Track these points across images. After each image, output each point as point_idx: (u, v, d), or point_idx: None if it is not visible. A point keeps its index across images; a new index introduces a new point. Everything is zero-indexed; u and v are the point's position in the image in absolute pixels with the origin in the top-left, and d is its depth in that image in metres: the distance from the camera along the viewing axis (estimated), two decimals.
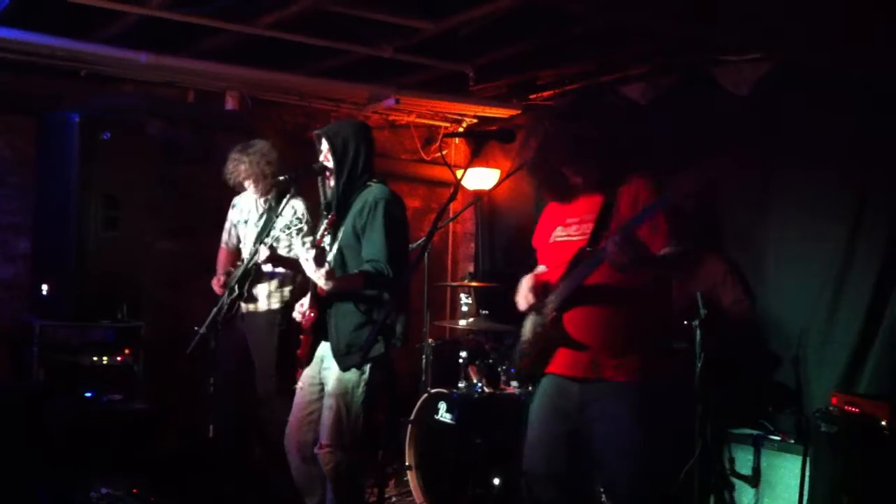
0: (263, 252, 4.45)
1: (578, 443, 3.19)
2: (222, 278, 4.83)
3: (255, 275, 4.81)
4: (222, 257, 5.19)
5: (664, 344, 3.31)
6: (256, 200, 5.03)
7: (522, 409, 4.92)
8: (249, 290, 4.84)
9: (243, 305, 4.89)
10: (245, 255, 4.90)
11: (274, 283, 4.90)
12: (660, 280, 3.24)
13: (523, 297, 3.32)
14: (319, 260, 3.54)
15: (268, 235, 4.61)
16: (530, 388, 4.32)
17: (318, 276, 3.56)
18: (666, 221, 3.08)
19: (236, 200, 5.16)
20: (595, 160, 3.23)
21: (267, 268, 4.74)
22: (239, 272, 4.71)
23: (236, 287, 4.73)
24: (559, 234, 3.34)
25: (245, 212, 5.08)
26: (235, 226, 5.13)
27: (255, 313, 4.90)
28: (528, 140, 3.28)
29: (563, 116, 3.40)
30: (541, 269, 3.48)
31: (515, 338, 3.49)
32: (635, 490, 3.11)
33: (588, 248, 3.13)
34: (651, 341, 3.20)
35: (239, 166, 4.95)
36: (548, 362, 3.27)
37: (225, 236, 5.19)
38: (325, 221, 3.71)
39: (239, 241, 5.13)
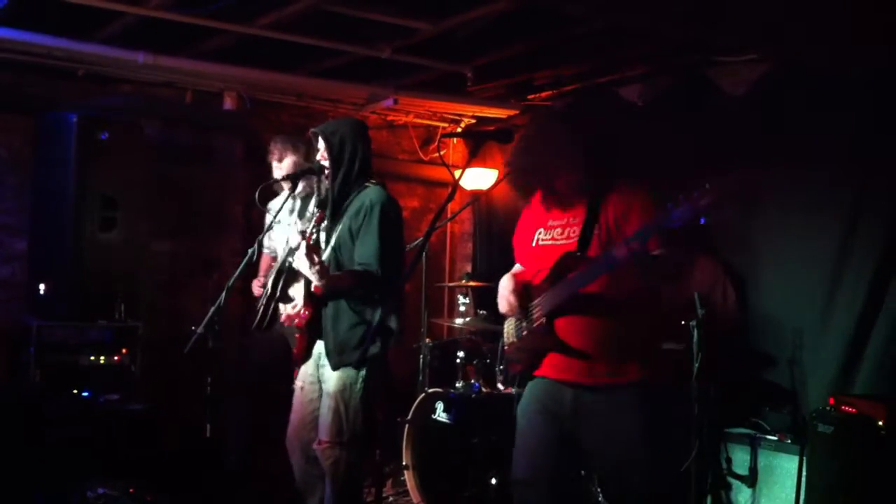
0: (295, 238, 4.42)
1: (570, 446, 3.14)
2: (262, 279, 4.78)
3: (288, 274, 4.77)
4: (264, 264, 5.13)
5: (659, 347, 3.26)
6: (287, 199, 4.93)
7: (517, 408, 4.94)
8: (284, 291, 4.79)
9: (282, 307, 4.86)
10: (279, 255, 4.84)
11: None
12: (651, 284, 3.16)
13: (505, 300, 3.28)
14: (311, 255, 3.55)
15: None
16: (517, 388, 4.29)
17: (311, 273, 3.57)
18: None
19: (270, 205, 5.07)
20: (581, 164, 3.14)
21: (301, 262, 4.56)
22: (273, 271, 4.68)
23: (270, 287, 4.71)
24: (542, 237, 3.26)
25: (277, 213, 5.01)
26: (272, 229, 5.01)
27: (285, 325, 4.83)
28: (518, 143, 3.22)
29: (554, 118, 3.35)
30: (517, 268, 3.43)
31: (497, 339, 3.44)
32: (639, 492, 3.06)
33: (579, 254, 3.07)
34: (647, 345, 3.16)
35: (273, 156, 4.89)
36: (538, 366, 3.20)
37: (266, 241, 5.09)
38: (315, 218, 3.72)
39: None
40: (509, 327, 3.35)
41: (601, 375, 3.07)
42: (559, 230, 3.21)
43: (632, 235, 2.89)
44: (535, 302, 3.19)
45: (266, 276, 4.79)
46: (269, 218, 5.08)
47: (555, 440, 3.15)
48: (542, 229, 3.27)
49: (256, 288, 4.82)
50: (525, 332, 3.23)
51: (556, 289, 3.09)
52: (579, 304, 3.06)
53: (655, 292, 3.22)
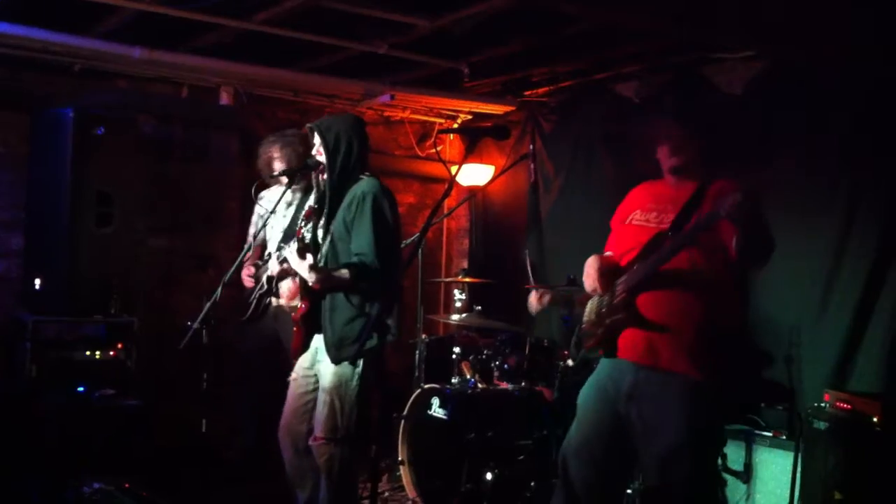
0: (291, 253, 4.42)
1: (621, 429, 3.24)
2: (252, 269, 4.77)
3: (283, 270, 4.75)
4: (254, 253, 5.09)
5: (727, 342, 3.26)
6: (285, 192, 4.92)
7: (516, 405, 4.95)
8: (277, 286, 4.79)
9: (274, 301, 4.86)
10: (272, 247, 4.82)
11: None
12: (738, 279, 3.27)
13: (591, 276, 3.37)
14: (303, 253, 3.55)
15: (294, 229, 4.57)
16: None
17: (302, 269, 3.57)
18: None
19: (263, 193, 5.04)
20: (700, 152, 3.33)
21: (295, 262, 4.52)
22: (269, 267, 4.67)
23: (265, 283, 4.70)
24: (637, 217, 3.39)
25: (273, 203, 5.00)
26: (263, 218, 4.99)
27: (285, 307, 4.84)
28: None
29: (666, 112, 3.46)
30: (607, 254, 3.52)
31: (574, 320, 3.54)
32: (675, 486, 3.12)
33: (669, 234, 3.17)
34: (714, 337, 3.18)
35: (272, 153, 4.89)
36: (613, 344, 3.29)
37: (252, 229, 5.11)
38: (304, 213, 3.72)
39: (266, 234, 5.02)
40: (591, 305, 3.44)
41: (662, 357, 3.16)
42: (654, 214, 3.33)
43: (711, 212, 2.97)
44: (621, 279, 3.28)
45: (260, 270, 4.78)
46: (259, 209, 5.06)
47: (607, 418, 3.28)
48: (639, 211, 3.40)
49: (247, 279, 4.79)
50: (604, 310, 3.32)
51: (641, 265, 3.21)
52: (662, 280, 3.16)
53: (738, 289, 3.31)
